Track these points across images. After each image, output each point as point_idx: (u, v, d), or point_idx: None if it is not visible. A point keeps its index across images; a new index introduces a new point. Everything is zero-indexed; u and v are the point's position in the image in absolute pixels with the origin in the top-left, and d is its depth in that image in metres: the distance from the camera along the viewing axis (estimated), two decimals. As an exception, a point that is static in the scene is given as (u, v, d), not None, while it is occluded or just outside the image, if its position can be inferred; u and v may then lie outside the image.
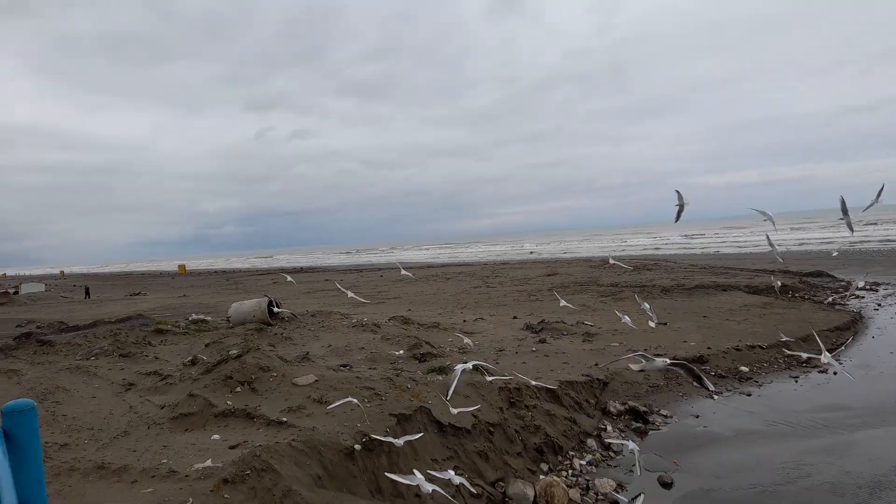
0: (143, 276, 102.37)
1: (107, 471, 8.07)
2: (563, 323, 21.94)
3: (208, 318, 23.25)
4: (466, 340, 15.14)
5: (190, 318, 23.08)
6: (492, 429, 10.65)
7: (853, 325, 21.97)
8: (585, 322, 22.24)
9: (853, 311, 24.69)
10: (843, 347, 19.36)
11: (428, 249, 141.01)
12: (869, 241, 57.78)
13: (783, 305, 25.68)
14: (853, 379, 14.28)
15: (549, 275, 42.22)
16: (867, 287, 30.98)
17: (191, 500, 6.81)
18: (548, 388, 13.36)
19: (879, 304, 26.18)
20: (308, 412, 9.92)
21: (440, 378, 12.44)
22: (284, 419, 9.47)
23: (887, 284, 31.18)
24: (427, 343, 16.36)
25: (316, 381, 11.14)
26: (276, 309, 20.98)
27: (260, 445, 8.22)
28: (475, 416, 10.85)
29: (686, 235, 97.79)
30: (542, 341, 19.06)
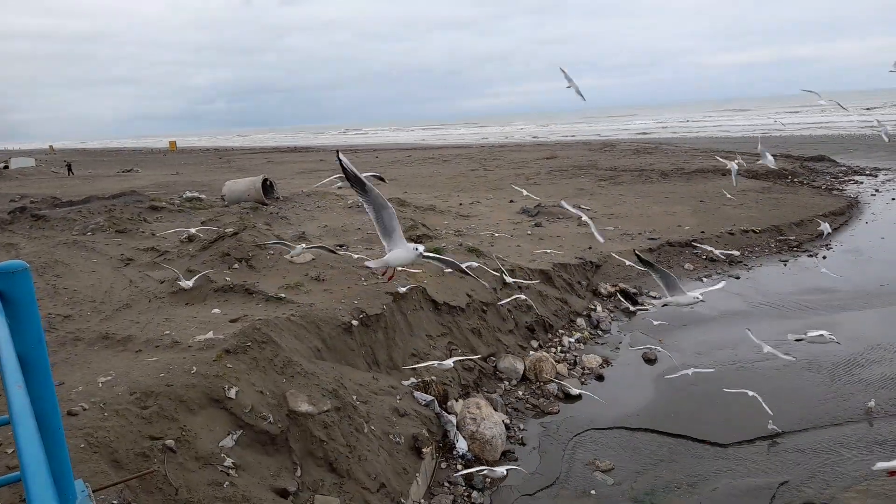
0: (133, 152, 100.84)
1: (111, 340, 8.32)
2: (559, 207, 21.92)
3: (203, 197, 23.13)
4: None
5: (184, 196, 22.97)
6: (485, 308, 10.93)
7: (849, 210, 22.06)
8: (582, 206, 22.18)
9: (850, 196, 24.69)
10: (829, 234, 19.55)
11: (426, 130, 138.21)
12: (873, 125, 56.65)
13: (781, 190, 25.60)
14: (834, 275, 14.51)
15: (548, 158, 41.68)
16: (868, 172, 30.75)
17: (195, 368, 7.07)
18: (541, 270, 13.58)
19: (877, 190, 26.13)
20: (306, 289, 10.10)
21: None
22: (283, 295, 9.66)
23: (888, 170, 30.94)
24: (423, 225, 16.40)
25: (313, 259, 11.25)
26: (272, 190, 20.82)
27: (260, 319, 8.43)
28: (469, 296, 11.08)
29: (688, 119, 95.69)
30: (538, 225, 19.14)
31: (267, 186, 21.20)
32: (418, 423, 8.10)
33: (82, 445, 5.54)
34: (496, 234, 17.02)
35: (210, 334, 8.04)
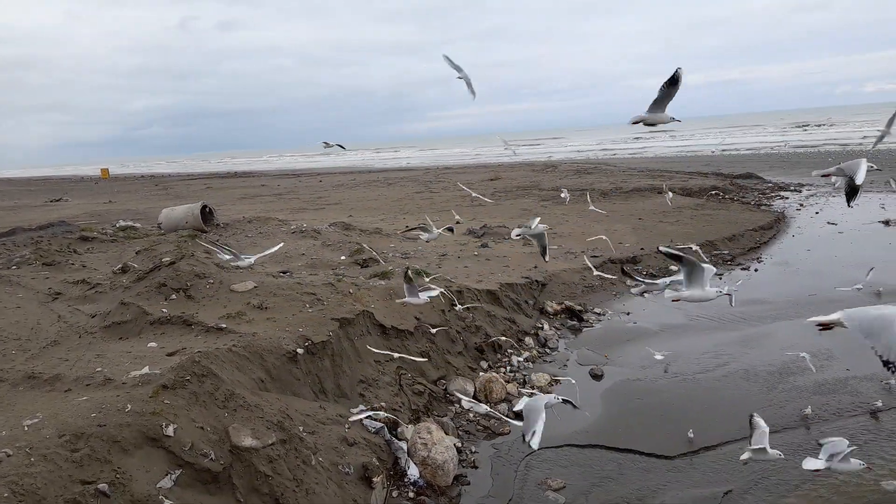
0: (62, 180, 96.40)
1: (38, 380, 7.81)
2: (505, 227, 22.20)
3: (137, 225, 22.25)
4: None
5: (117, 225, 22.04)
6: (433, 330, 10.87)
7: (776, 225, 23.23)
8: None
9: (777, 211, 26.03)
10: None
11: (371, 153, 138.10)
12: (803, 144, 60.16)
13: (713, 207, 26.76)
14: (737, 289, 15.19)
15: (492, 179, 42.29)
16: (792, 188, 32.56)
17: (129, 406, 6.71)
18: (489, 290, 13.66)
19: (801, 205, 27.67)
20: (248, 318, 9.80)
21: (383, 283, 12.47)
22: (224, 325, 9.33)
23: (811, 185, 32.81)
24: (369, 248, 16.28)
25: (255, 287, 10.95)
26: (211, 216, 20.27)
27: (200, 351, 8.10)
28: (416, 318, 11.01)
29: (629, 138, 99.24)
30: (484, 245, 19.30)
31: (206, 213, 20.62)
32: (368, 451, 7.92)
33: (6, 495, 5.16)
34: (443, 255, 17.06)
35: (146, 369, 7.67)
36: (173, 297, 10.79)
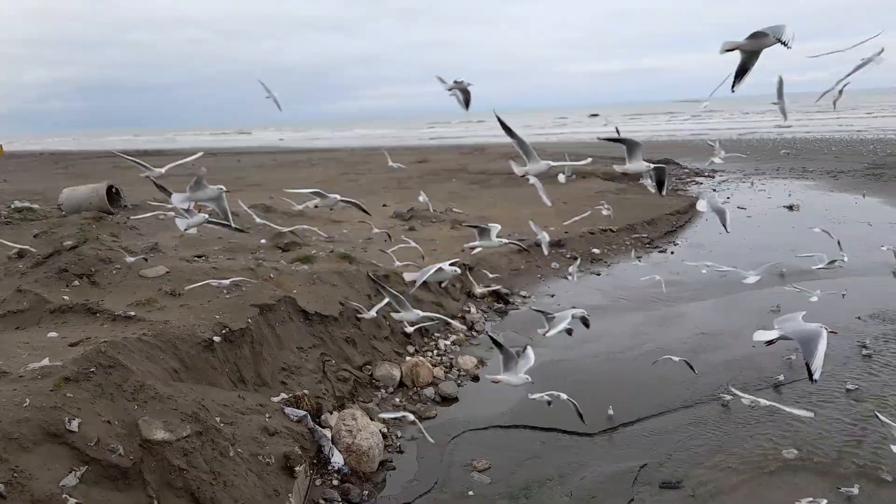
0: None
1: (-81, 376, 7.06)
2: (433, 210, 22.12)
3: (36, 206, 20.59)
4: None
5: (13, 206, 20.31)
6: (359, 315, 10.65)
7: (691, 209, 24.32)
8: (454, 209, 22.60)
9: (693, 195, 27.27)
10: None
11: (294, 132, 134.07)
12: (717, 131, 63.32)
13: (634, 191, 27.70)
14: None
15: (419, 161, 42.06)
16: (706, 174, 34.21)
17: (28, 400, 6.17)
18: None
19: (715, 190, 29.15)
20: (160, 305, 9.24)
21: (306, 267, 12.11)
22: (132, 313, 8.76)
23: (723, 171, 34.55)
24: (291, 232, 15.77)
25: (167, 272, 10.34)
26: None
27: (106, 341, 7.56)
28: (342, 304, 10.76)
29: (555, 120, 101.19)
30: (412, 229, 19.15)
31: (113, 194, 19.33)
32: (290, 440, 7.67)
33: None
34: (369, 240, 16.77)
35: (45, 361, 7.08)
36: (76, 283, 10.03)
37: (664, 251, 18.80)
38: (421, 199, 16.25)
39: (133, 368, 7.26)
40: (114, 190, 19.41)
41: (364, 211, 8.88)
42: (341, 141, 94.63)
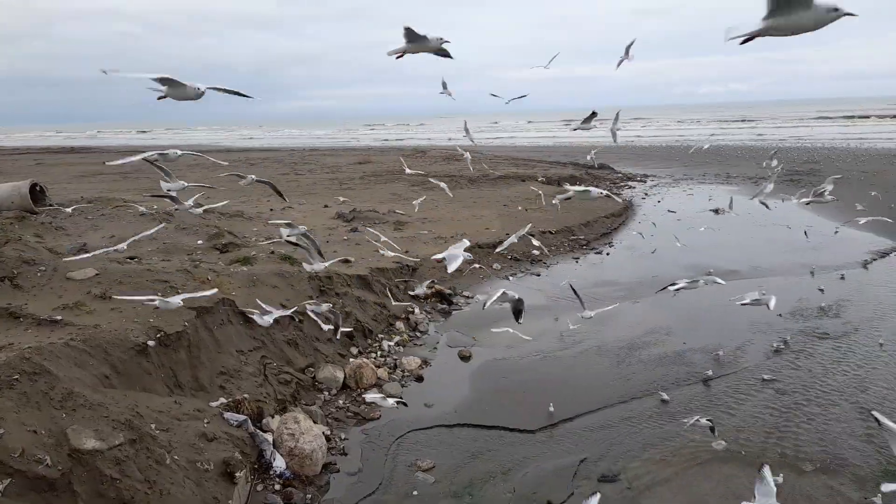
0: None
1: None
2: (376, 212, 22.04)
3: (-50, 205, 19.21)
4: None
5: (-76, 205, 18.85)
6: (302, 317, 10.50)
7: (625, 212, 25.20)
8: (396, 210, 22.56)
9: (626, 199, 28.25)
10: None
11: (229, 132, 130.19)
12: (654, 137, 65.71)
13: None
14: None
15: (361, 163, 41.74)
16: (639, 178, 35.49)
17: (-61, 414, 5.80)
18: (359, 275, 13.47)
19: (646, 194, 30.27)
20: (88, 309, 8.81)
21: (245, 269, 11.83)
22: (59, 317, 8.32)
23: (654, 176, 35.96)
24: (229, 233, 15.38)
25: (97, 274, 9.87)
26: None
27: (30, 347, 7.16)
28: (284, 305, 10.58)
29: (492, 125, 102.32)
30: (354, 230, 18.99)
31: (37, 192, 18.27)
32: (230, 446, 7.49)
33: None
34: (326, 242, 16.51)
35: (-39, 370, 6.65)
36: (-4, 286, 9.44)
37: (600, 252, 19.41)
38: (416, 203, 16.36)
39: (60, 375, 6.92)
40: (38, 188, 18.35)
41: (279, 193, 9.13)
42: (279, 141, 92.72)
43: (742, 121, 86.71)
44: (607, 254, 19.31)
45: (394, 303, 13.08)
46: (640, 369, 11.02)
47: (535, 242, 14.36)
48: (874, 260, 17.39)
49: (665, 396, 9.83)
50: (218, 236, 14.63)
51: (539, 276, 17.01)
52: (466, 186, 29.73)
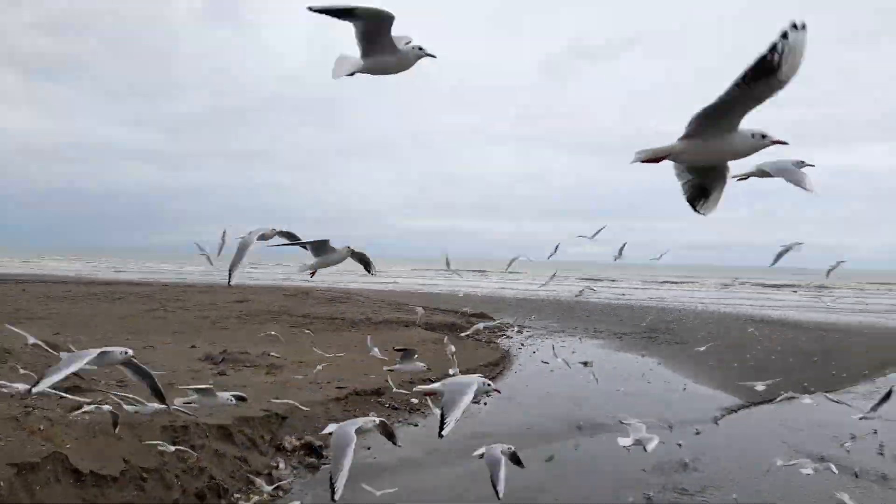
0: None
1: None
2: (248, 354, 20.97)
3: None
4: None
5: None
6: (145, 475, 9.35)
7: (502, 361, 25.82)
8: (271, 353, 21.60)
9: (504, 348, 29.09)
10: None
11: (93, 263, 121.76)
12: (525, 290, 69.46)
13: (452, 342, 28.87)
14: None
15: (239, 301, 40.25)
16: (516, 328, 36.92)
17: None
18: (220, 425, 12.42)
19: (522, 344, 31.40)
20: None
21: (87, 417, 10.54)
22: None
23: (530, 327, 37.56)
24: (76, 375, 13.82)
25: None
26: None
27: None
28: (125, 461, 9.41)
29: (380, 272, 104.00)
30: (222, 373, 17.83)
31: None
32: None
33: None
34: (171, 384, 15.20)
35: None
36: None
37: (478, 402, 19.45)
38: (373, 351, 15.43)
39: None
40: None
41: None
42: (152, 275, 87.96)
43: (609, 280, 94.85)
44: (484, 403, 19.38)
45: (259, 456, 12.09)
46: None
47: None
48: (723, 416, 18.76)
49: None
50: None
51: (416, 426, 16.60)
52: (348, 329, 29.38)
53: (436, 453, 14.33)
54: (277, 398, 15.19)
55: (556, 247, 15.66)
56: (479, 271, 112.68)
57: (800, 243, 8.97)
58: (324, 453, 13.66)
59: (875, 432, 15.91)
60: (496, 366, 24.63)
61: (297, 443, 13.57)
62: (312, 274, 5.74)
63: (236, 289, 56.65)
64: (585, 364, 25.51)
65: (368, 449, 14.38)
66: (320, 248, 5.77)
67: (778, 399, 19.38)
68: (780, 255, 9.08)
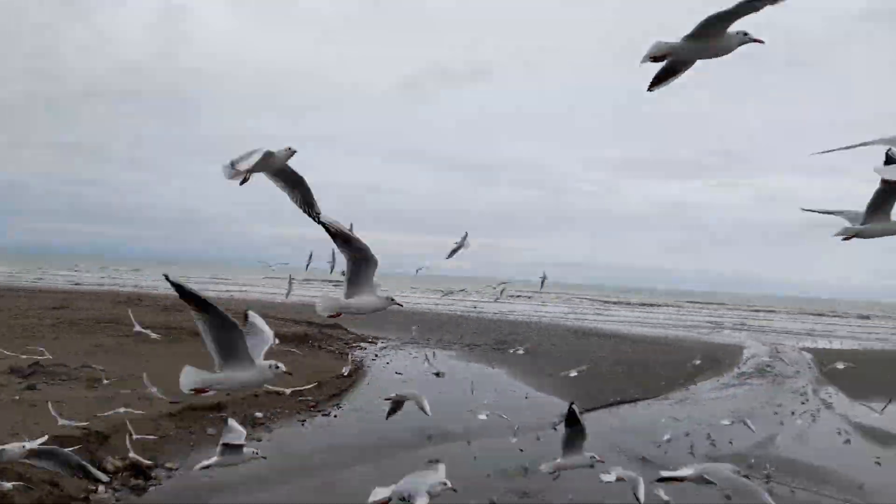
0: None
1: None
2: (65, 366, 18.65)
3: None
4: None
5: None
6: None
7: (355, 373, 25.41)
8: (93, 365, 19.40)
9: (357, 360, 28.70)
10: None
11: None
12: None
13: (304, 353, 27.95)
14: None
15: (56, 308, 35.79)
16: (370, 339, 36.61)
17: None
18: (29, 449, 10.82)
19: (376, 355, 31.22)
20: None
21: None
22: None
23: (385, 339, 37.43)
24: None
25: None
26: None
27: None
28: None
29: (216, 278, 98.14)
30: (32, 388, 15.67)
31: None
32: None
33: None
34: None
35: None
36: None
37: (328, 415, 18.97)
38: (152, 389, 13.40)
39: None
40: None
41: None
42: (-52, 274, 75.69)
43: (461, 290, 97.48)
44: (335, 416, 18.94)
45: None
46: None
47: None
48: (561, 422, 19.97)
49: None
50: None
51: (261, 440, 15.75)
52: (188, 339, 27.28)
53: (279, 469, 13.70)
54: (97, 415, 13.63)
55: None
56: (336, 282, 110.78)
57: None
58: (152, 473, 12.48)
59: (687, 434, 17.88)
60: (348, 377, 24.19)
61: (121, 463, 12.26)
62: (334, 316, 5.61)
63: (55, 294, 50.40)
64: (438, 374, 26.02)
65: (207, 468, 13.36)
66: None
67: (607, 405, 21.19)
68: (453, 251, 11.61)
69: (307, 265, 12.24)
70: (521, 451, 15.85)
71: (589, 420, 20.09)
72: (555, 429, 18.94)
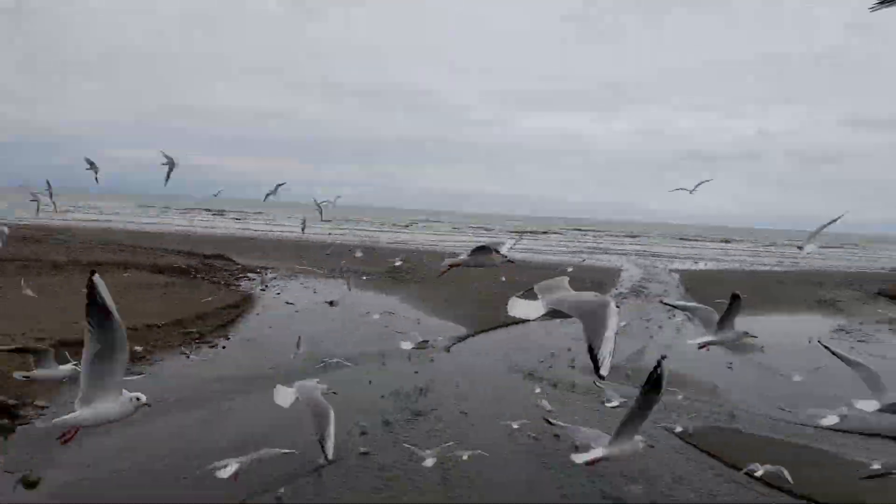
0: None
1: None
2: None
3: None
4: None
5: None
6: None
7: (243, 304, 24.57)
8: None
9: (244, 291, 27.70)
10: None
11: None
12: (267, 231, 66.57)
13: (184, 284, 26.54)
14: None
15: None
16: (258, 270, 35.36)
17: None
18: None
19: (266, 286, 30.21)
20: None
21: None
22: None
23: (274, 269, 36.26)
24: None
25: None
26: None
27: None
28: None
29: (95, 209, 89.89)
30: None
31: None
32: None
33: None
34: None
35: None
36: None
37: (214, 346, 18.29)
38: None
39: None
40: None
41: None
42: None
43: (351, 219, 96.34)
44: (223, 347, 18.31)
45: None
46: (248, 476, 10.33)
47: None
48: (454, 344, 20.64)
49: (280, 492, 9.45)
50: None
51: (141, 374, 14.92)
52: (49, 273, 24.96)
53: (162, 403, 13.12)
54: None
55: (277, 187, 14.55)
56: (218, 212, 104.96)
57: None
58: (20, 412, 11.50)
59: (569, 350, 19.11)
60: (235, 308, 23.40)
61: (-20, 404, 11.18)
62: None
63: None
64: (331, 303, 25.80)
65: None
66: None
67: (490, 329, 22.17)
68: (267, 195, 13.06)
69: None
70: (416, 373, 16.26)
71: (482, 341, 21.09)
72: (448, 350, 19.55)
